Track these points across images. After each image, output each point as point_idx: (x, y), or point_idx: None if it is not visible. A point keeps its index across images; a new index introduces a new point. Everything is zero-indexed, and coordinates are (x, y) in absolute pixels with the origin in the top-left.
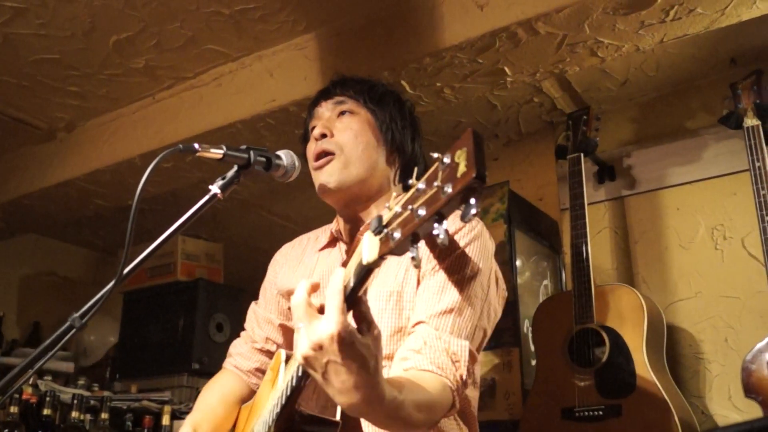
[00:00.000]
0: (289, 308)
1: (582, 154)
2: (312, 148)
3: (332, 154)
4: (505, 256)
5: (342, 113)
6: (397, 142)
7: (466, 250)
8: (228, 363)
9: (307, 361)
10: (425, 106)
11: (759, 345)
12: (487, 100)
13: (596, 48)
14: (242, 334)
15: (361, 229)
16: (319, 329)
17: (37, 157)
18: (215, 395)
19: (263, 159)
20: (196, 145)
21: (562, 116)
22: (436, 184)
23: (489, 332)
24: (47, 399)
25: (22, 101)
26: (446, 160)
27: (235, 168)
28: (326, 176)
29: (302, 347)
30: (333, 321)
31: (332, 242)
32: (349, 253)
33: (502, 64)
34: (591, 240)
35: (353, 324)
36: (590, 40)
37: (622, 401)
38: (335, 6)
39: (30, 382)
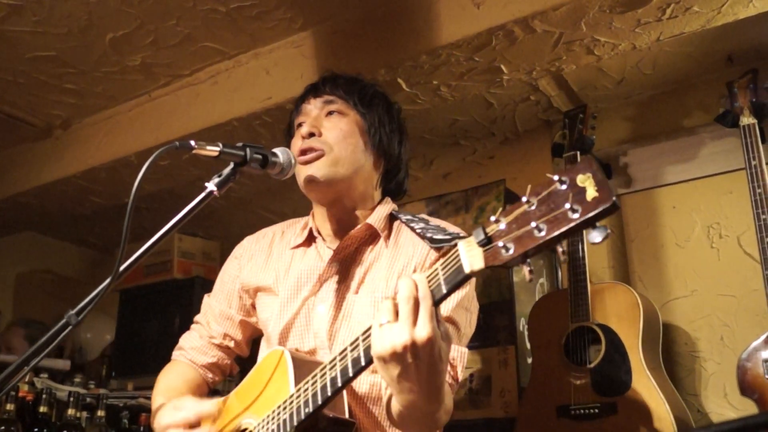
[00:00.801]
0: (252, 305)
1: (578, 153)
2: (297, 144)
3: (320, 150)
4: None
5: (330, 113)
6: (384, 146)
7: None
8: (180, 355)
9: (391, 357)
10: (422, 104)
11: (754, 343)
12: (483, 98)
13: (593, 46)
14: (194, 327)
15: (352, 232)
16: (414, 332)
17: (33, 155)
18: (177, 378)
19: (259, 156)
20: (193, 143)
21: (559, 114)
22: (566, 206)
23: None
24: (44, 396)
25: (18, 98)
26: (564, 183)
27: (232, 165)
28: (314, 170)
29: (389, 343)
30: (428, 325)
31: (307, 241)
32: (339, 252)
33: (499, 62)
34: (587, 238)
35: None
36: (587, 38)
37: (618, 399)
38: (332, 4)
39: (26, 379)
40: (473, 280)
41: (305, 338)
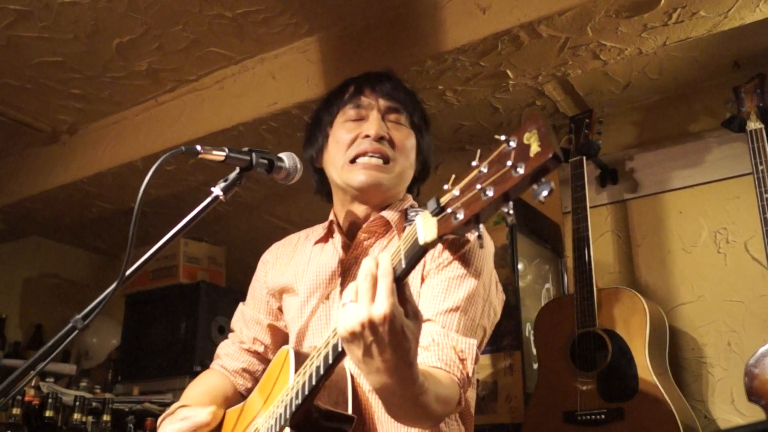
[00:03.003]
0: (279, 308)
1: (584, 158)
2: (357, 140)
3: (390, 160)
4: (507, 259)
5: (395, 121)
6: (428, 165)
7: (469, 249)
8: (215, 364)
9: (352, 337)
10: (427, 109)
11: (762, 349)
12: (489, 103)
13: (599, 51)
14: (230, 335)
15: (365, 225)
16: (371, 309)
17: (40, 160)
18: (202, 387)
19: (265, 161)
20: (199, 147)
21: (565, 119)
22: (508, 163)
23: (489, 332)
24: (49, 401)
25: (25, 104)
26: (512, 143)
27: (237, 170)
28: (383, 178)
29: (349, 323)
30: (385, 302)
31: (325, 237)
32: (355, 246)
33: (505, 67)
34: (593, 243)
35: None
36: (593, 43)
37: (625, 405)
38: (337, 9)
39: (32, 383)
40: (488, 270)
41: (324, 334)
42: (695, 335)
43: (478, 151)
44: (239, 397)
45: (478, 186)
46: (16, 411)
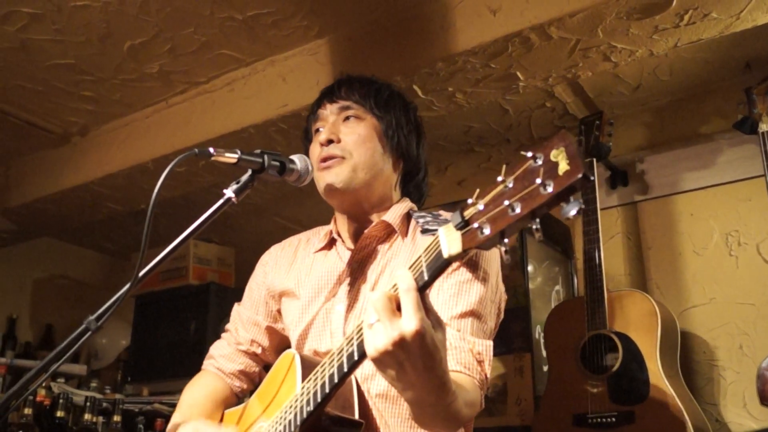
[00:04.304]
0: (278, 311)
1: (594, 160)
2: (317, 152)
3: (339, 157)
4: (516, 261)
5: (347, 118)
6: (403, 148)
7: (476, 253)
8: (209, 365)
9: (385, 355)
10: (437, 111)
11: None
12: (499, 105)
13: (609, 53)
14: (224, 335)
15: (367, 230)
16: (401, 326)
17: (51, 161)
18: (201, 392)
19: (277, 163)
20: (212, 150)
21: (575, 121)
22: (537, 181)
23: (495, 332)
24: (60, 401)
25: (36, 106)
26: (539, 159)
27: (249, 172)
28: (333, 176)
29: (380, 343)
30: (414, 318)
31: (329, 244)
32: (358, 252)
33: (515, 68)
34: (603, 245)
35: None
36: (603, 44)
37: (636, 408)
38: (347, 11)
39: (43, 384)
40: (495, 272)
41: (323, 339)
42: (707, 338)
43: (504, 166)
44: (235, 398)
45: (506, 202)
46: (27, 411)
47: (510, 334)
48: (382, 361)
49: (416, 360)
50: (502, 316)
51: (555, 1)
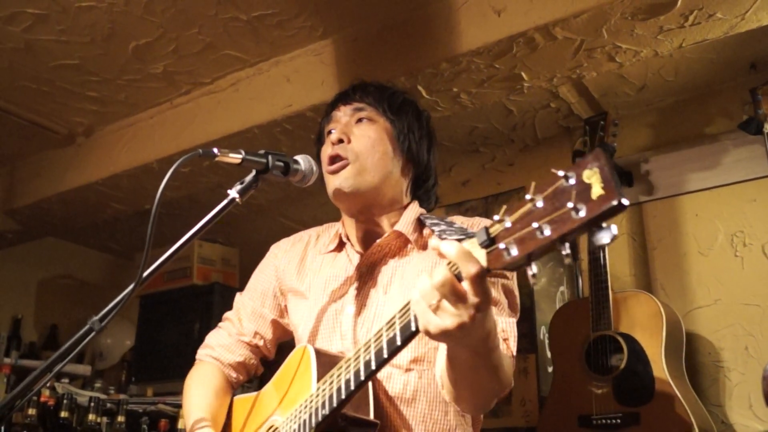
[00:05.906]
0: (285, 306)
1: None
2: (327, 152)
3: (346, 159)
4: None
5: (360, 120)
6: (414, 152)
7: None
8: (206, 355)
9: (454, 332)
10: (441, 112)
11: None
12: (503, 106)
13: (614, 53)
14: (223, 325)
15: (380, 240)
16: (469, 306)
17: (56, 162)
18: (207, 388)
19: (281, 164)
20: (216, 150)
21: (579, 121)
22: (569, 204)
23: (517, 310)
24: (64, 401)
25: (41, 106)
26: (571, 179)
27: (254, 173)
28: (341, 180)
29: (448, 322)
30: (476, 260)
31: (339, 247)
32: (368, 256)
33: (519, 69)
34: (608, 246)
35: None
36: (608, 45)
37: (641, 409)
38: (352, 12)
39: (47, 384)
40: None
41: (333, 340)
42: (712, 339)
43: (533, 184)
44: (231, 389)
45: (535, 224)
46: (31, 411)
47: None
48: (452, 333)
49: (478, 330)
50: (518, 295)
51: (559, 1)
